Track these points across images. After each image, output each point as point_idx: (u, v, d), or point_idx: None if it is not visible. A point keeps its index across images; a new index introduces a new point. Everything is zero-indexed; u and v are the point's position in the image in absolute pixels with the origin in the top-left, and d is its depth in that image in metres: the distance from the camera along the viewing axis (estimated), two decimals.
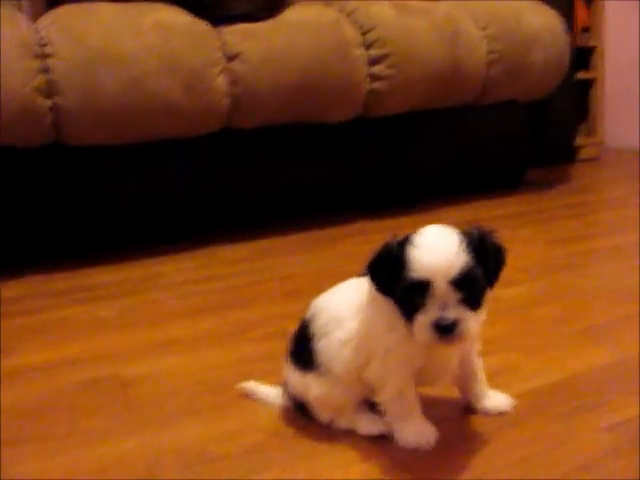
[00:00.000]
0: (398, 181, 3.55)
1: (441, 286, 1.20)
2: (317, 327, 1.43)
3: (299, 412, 1.50)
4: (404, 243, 1.25)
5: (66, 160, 2.79)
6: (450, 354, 1.37)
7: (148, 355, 1.90)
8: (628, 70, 5.02)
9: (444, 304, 1.21)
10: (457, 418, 1.49)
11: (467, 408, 1.50)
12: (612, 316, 1.98)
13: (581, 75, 4.80)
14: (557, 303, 2.12)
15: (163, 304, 2.33)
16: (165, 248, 2.95)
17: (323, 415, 1.46)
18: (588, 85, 4.99)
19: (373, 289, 1.32)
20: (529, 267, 2.48)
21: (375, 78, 3.20)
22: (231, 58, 2.97)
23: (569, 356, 1.74)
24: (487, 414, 1.48)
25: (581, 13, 4.75)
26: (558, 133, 4.21)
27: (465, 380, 1.48)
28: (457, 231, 1.26)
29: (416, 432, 1.37)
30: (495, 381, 1.54)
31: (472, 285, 1.23)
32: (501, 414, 1.48)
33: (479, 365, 1.47)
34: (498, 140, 3.74)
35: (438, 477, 1.27)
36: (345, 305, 1.42)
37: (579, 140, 4.88)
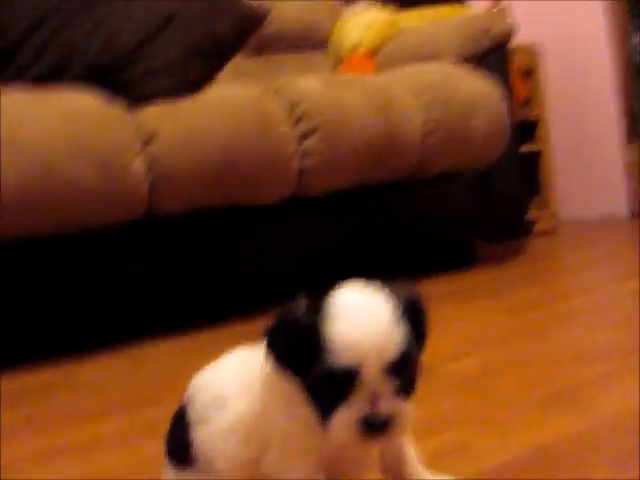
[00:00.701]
0: (339, 262, 3.29)
1: (372, 374, 0.91)
2: (194, 412, 1.11)
3: None
4: (316, 311, 0.94)
5: None
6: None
7: (34, 465, 1.58)
8: (575, 140, 4.91)
9: (374, 396, 0.91)
10: None
11: None
12: (578, 379, 1.71)
13: (527, 148, 4.67)
14: (515, 372, 1.83)
15: (69, 407, 2.04)
16: (84, 349, 2.61)
17: None
18: (535, 158, 4.85)
19: (269, 364, 1.02)
20: (482, 338, 2.21)
21: (306, 154, 2.99)
22: (147, 140, 2.75)
23: (531, 427, 1.45)
24: None
25: (519, 86, 4.64)
26: (507, 207, 4.03)
27: (393, 465, 1.14)
28: (383, 290, 0.97)
29: None
30: (441, 464, 1.23)
31: (410, 369, 0.96)
32: None
33: (407, 443, 1.14)
34: (443, 215, 3.54)
35: None
36: (230, 382, 1.10)
37: (532, 213, 4.72)
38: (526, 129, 4.73)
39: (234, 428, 1.07)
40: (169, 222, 2.85)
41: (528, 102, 4.81)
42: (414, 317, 0.98)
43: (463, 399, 1.66)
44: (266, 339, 1.00)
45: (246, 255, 3.06)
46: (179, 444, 1.13)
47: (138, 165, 2.72)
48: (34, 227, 2.57)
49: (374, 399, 0.92)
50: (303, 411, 0.99)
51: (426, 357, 1.89)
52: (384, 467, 1.15)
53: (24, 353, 2.62)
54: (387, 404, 0.92)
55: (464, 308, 2.61)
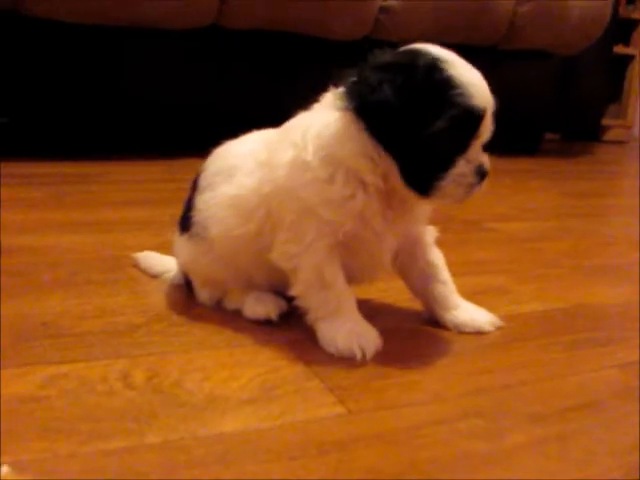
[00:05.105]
0: None
1: (489, 121, 0.88)
2: (205, 177, 1.06)
3: (188, 290, 1.15)
4: (431, 62, 0.85)
5: (25, 32, 2.39)
6: (384, 236, 0.96)
7: (54, 230, 1.54)
8: None
9: (484, 147, 0.90)
10: (414, 330, 1.08)
11: (431, 320, 1.09)
12: (629, 259, 1.59)
13: (619, 50, 4.37)
14: (565, 242, 1.71)
15: (100, 194, 1.98)
16: (129, 153, 2.54)
17: (200, 293, 1.12)
18: (625, 64, 4.55)
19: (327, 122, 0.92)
20: (537, 209, 2.08)
21: None
22: None
23: (575, 288, 1.34)
24: (459, 330, 1.07)
25: None
26: (585, 105, 3.80)
27: (424, 282, 1.07)
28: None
29: (349, 334, 0.96)
30: (476, 300, 1.13)
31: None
32: (479, 333, 1.06)
33: (439, 259, 1.07)
34: (521, 93, 3.31)
35: (371, 399, 0.87)
36: (245, 155, 1.03)
37: (607, 120, 4.48)
38: (626, 30, 4.42)
39: (235, 199, 1.00)
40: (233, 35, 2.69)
41: (633, 2, 4.47)
42: None
43: (509, 253, 1.56)
44: (364, 93, 0.87)
45: None
46: (186, 210, 1.09)
47: None
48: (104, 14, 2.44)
49: (483, 150, 0.89)
50: (341, 183, 0.91)
51: (474, 216, 1.81)
52: (414, 283, 1.06)
53: (68, 146, 2.56)
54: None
55: (523, 185, 2.47)
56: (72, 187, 2.03)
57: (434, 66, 0.85)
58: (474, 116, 0.85)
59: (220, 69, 2.73)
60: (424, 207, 1.00)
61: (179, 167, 2.34)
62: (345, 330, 0.95)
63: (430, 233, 1.05)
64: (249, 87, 2.79)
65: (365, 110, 0.86)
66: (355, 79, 0.88)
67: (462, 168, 0.88)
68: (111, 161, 2.45)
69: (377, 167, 0.90)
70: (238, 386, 0.87)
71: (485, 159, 0.90)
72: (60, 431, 0.74)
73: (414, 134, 0.85)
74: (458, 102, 0.84)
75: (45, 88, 2.50)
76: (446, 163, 0.87)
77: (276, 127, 1.05)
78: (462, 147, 0.87)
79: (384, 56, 0.89)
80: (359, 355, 0.94)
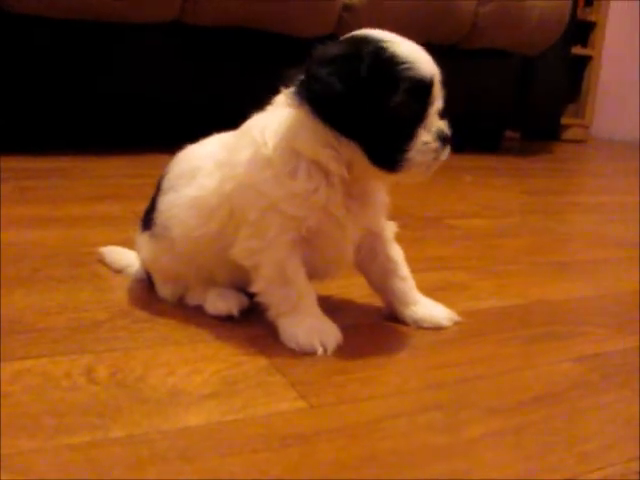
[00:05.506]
0: None
1: (439, 88, 0.92)
2: (167, 180, 1.08)
3: (150, 286, 1.16)
4: (374, 46, 0.89)
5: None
6: (346, 228, 0.98)
7: (17, 225, 1.52)
8: (625, 55, 4.67)
9: (439, 113, 0.94)
10: (374, 326, 1.10)
11: (391, 317, 1.11)
12: (587, 257, 1.63)
13: (577, 51, 4.45)
14: (524, 239, 1.75)
15: (64, 189, 1.96)
16: (94, 148, 2.53)
17: (162, 289, 1.13)
18: (583, 64, 4.63)
19: (293, 113, 0.94)
20: (497, 207, 2.11)
21: None
22: None
23: (533, 284, 1.37)
24: (417, 325, 1.09)
25: None
26: (544, 105, 3.87)
27: (383, 278, 1.09)
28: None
29: (310, 330, 0.97)
30: (435, 295, 1.16)
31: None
32: (437, 328, 1.08)
33: (399, 255, 1.09)
34: (481, 92, 3.37)
35: (332, 393, 0.88)
36: (205, 157, 1.05)
37: (565, 120, 4.55)
38: (583, 32, 4.49)
39: (198, 200, 1.02)
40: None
41: (591, 4, 4.54)
42: None
43: (468, 249, 1.59)
44: (315, 78, 0.89)
45: None
46: (149, 210, 1.11)
47: None
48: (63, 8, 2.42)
49: (439, 117, 0.93)
50: (304, 177, 0.93)
51: (434, 213, 1.83)
52: (373, 279, 1.09)
53: (38, 141, 2.53)
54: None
55: (484, 182, 2.51)
56: (35, 182, 2.01)
57: (378, 49, 0.88)
58: (425, 85, 0.90)
59: (186, 66, 2.72)
60: (382, 200, 1.02)
61: (146, 163, 2.33)
62: (306, 326, 0.97)
63: (390, 228, 1.08)
64: (215, 84, 2.79)
65: (319, 105, 0.89)
66: (303, 77, 0.90)
67: (424, 137, 0.91)
68: (76, 156, 2.43)
69: (340, 155, 0.91)
70: (201, 380, 0.88)
71: (443, 125, 0.93)
72: (25, 427, 0.75)
73: (374, 115, 0.88)
74: (408, 75, 0.88)
75: (12, 84, 2.48)
76: (409, 135, 0.90)
77: (236, 128, 1.06)
78: (420, 116, 0.91)
79: (328, 49, 0.91)
80: (320, 350, 0.95)
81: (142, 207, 1.17)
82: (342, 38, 0.94)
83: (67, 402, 0.80)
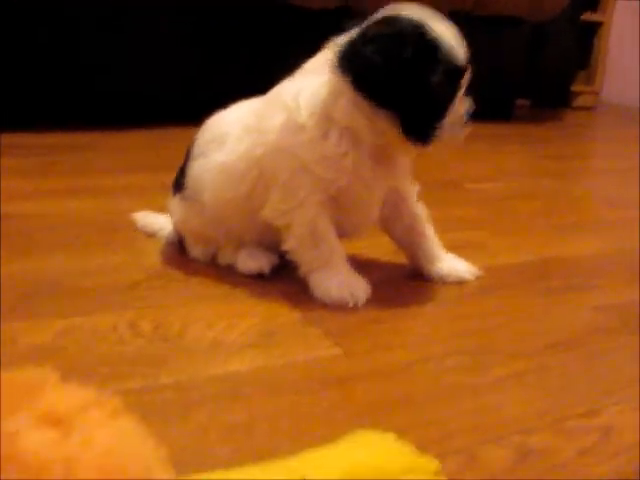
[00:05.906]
0: None
1: (467, 74, 1.00)
2: (197, 146, 1.12)
3: (181, 248, 1.22)
4: (415, 30, 0.94)
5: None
6: (373, 190, 1.04)
7: (49, 197, 1.56)
8: (635, 20, 4.67)
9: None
10: (401, 281, 1.15)
11: (416, 273, 1.16)
12: (602, 217, 1.66)
13: (587, 17, 4.44)
14: (539, 201, 1.78)
15: (90, 162, 1.99)
16: (115, 123, 2.56)
17: (193, 250, 1.19)
18: (594, 30, 4.62)
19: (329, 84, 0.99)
20: (513, 171, 2.15)
21: None
22: None
23: (548, 242, 1.42)
24: (442, 281, 1.14)
25: None
26: (555, 71, 3.88)
27: (410, 236, 1.14)
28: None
29: (341, 284, 1.03)
30: (455, 253, 1.20)
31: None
32: (460, 283, 1.13)
33: (424, 213, 1.14)
34: (494, 59, 3.37)
35: (365, 341, 0.94)
36: (234, 122, 1.10)
37: (576, 87, 4.55)
38: None
39: (225, 165, 1.06)
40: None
41: None
42: None
43: (485, 211, 1.63)
44: (361, 52, 0.95)
45: None
46: (179, 175, 1.15)
47: None
48: None
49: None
50: (334, 141, 0.98)
51: (452, 177, 1.87)
52: (400, 238, 1.13)
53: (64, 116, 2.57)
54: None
55: (498, 149, 2.53)
56: (61, 156, 2.04)
57: (420, 31, 0.93)
58: (460, 69, 0.97)
59: (199, 39, 2.75)
60: (407, 163, 1.07)
61: (171, 135, 2.35)
62: (337, 280, 1.02)
63: (413, 189, 1.12)
64: (228, 57, 2.82)
65: (362, 79, 0.94)
66: (343, 49, 0.95)
67: (454, 115, 0.98)
68: (96, 132, 2.46)
69: (374, 126, 0.96)
70: (239, 333, 0.93)
71: (469, 103, 1.01)
72: (80, 376, 0.80)
73: (413, 92, 0.94)
74: (446, 60, 0.94)
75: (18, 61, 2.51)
76: (442, 112, 0.97)
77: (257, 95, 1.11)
78: (453, 96, 0.97)
79: (370, 27, 0.95)
80: (351, 302, 1.00)
81: (170, 178, 1.22)
82: (382, 15, 0.97)
83: (116, 353, 0.86)
